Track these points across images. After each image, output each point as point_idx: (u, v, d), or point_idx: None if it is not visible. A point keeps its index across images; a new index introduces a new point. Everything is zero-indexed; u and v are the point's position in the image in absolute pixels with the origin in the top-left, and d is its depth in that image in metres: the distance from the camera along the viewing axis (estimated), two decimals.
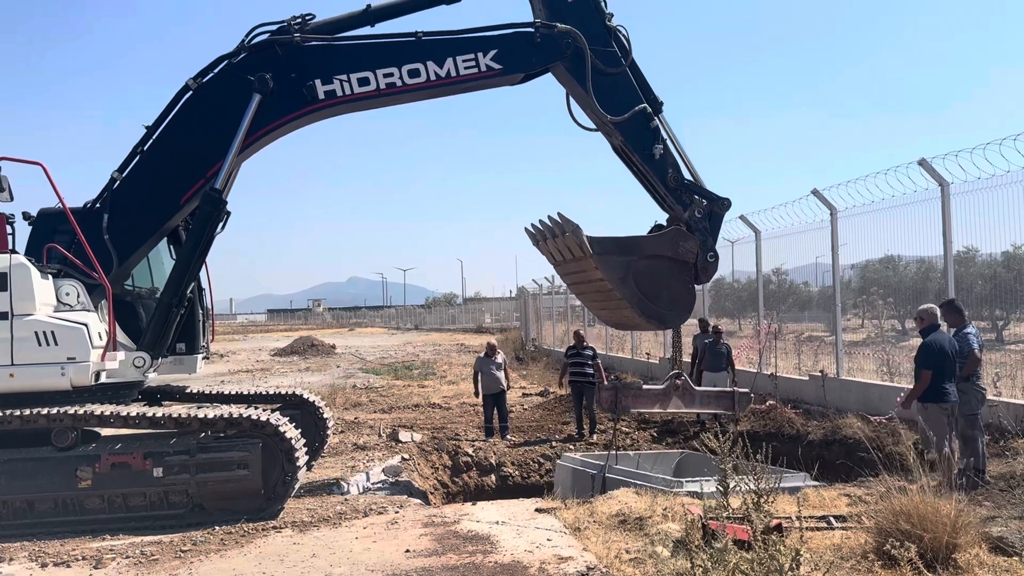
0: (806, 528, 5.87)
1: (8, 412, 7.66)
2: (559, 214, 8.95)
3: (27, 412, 7.66)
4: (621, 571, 5.89)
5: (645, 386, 10.14)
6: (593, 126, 9.35)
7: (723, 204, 9.24)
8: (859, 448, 8.89)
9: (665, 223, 9.47)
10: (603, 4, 9.14)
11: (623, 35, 9.15)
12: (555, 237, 9.09)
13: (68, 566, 6.57)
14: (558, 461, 9.67)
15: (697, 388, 10.04)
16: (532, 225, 9.58)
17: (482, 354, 13.52)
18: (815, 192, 12.54)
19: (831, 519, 6.93)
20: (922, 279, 13.20)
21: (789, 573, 4.08)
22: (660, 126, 9.16)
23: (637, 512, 7.42)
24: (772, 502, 5.34)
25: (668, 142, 9.18)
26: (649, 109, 9.10)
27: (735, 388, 10.24)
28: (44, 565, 6.60)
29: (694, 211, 9.04)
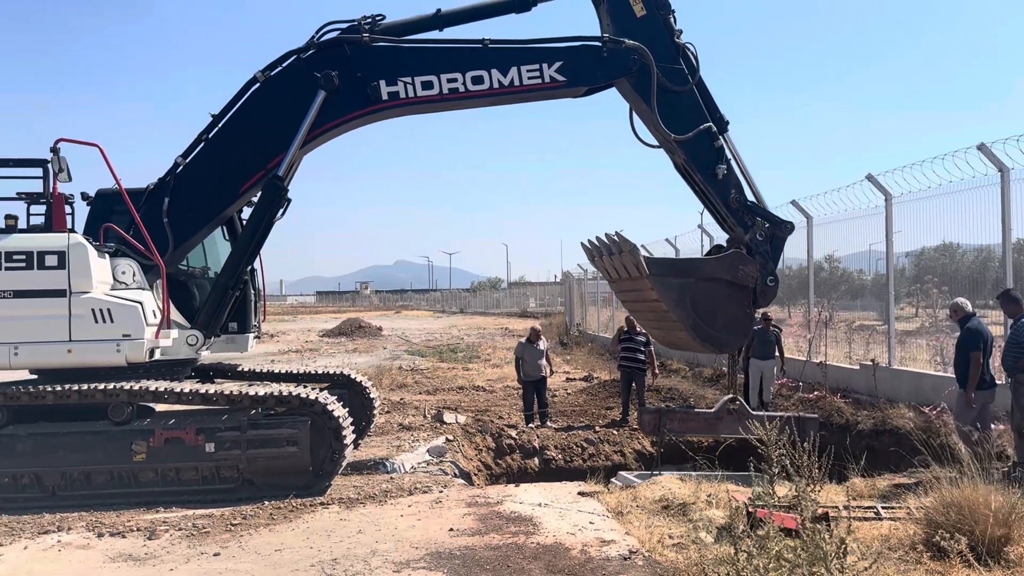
0: (854, 518, 5.80)
1: (67, 386, 7.90)
2: (617, 233, 8.91)
3: (85, 387, 7.89)
4: (664, 556, 5.88)
5: (696, 410, 9.95)
6: (655, 143, 9.22)
7: (786, 227, 9.07)
8: (910, 438, 8.72)
9: (725, 244, 9.33)
10: (672, 21, 8.99)
11: (691, 52, 9.00)
12: (612, 255, 9.01)
13: (123, 536, 6.79)
14: (613, 480, 9.61)
15: (755, 413, 9.53)
16: (589, 241, 9.54)
17: (524, 339, 13.51)
18: (869, 177, 12.26)
19: (879, 509, 6.82)
20: (980, 268, 12.82)
21: (835, 562, 4.04)
22: (725, 145, 9.00)
23: (681, 498, 7.40)
24: (819, 490, 5.28)
25: (732, 162, 9.02)
26: (714, 128, 8.93)
27: (800, 413, 9.92)
28: (100, 535, 6.82)
29: (755, 234, 8.89)
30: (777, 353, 12.99)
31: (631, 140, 9.28)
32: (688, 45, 9.01)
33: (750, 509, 5.85)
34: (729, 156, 9.03)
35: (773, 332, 13.12)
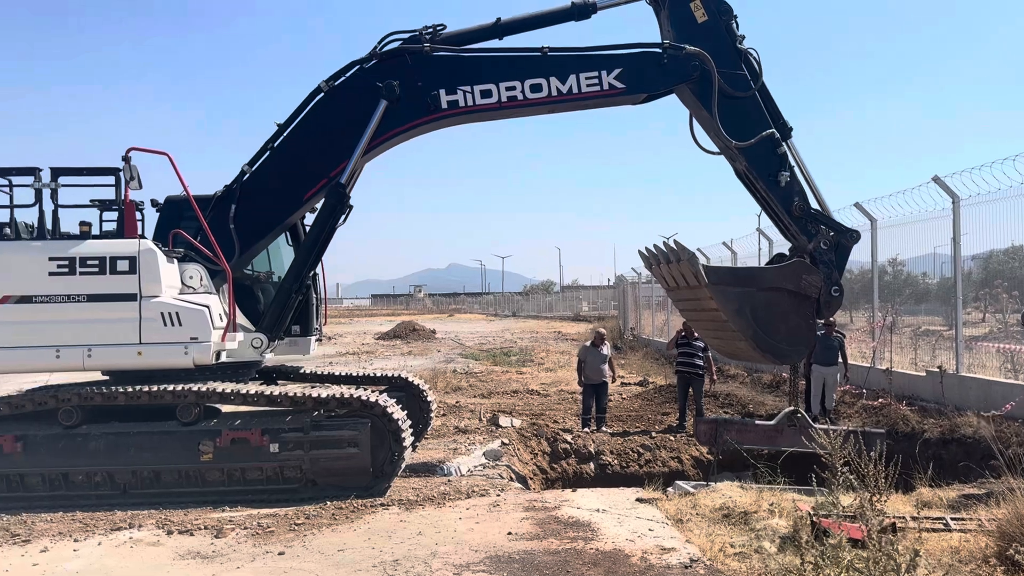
0: (922, 529, 5.67)
1: (137, 387, 8.16)
2: (675, 241, 8.84)
3: (155, 388, 8.14)
4: (726, 564, 5.82)
5: (756, 421, 9.78)
6: (716, 149, 9.14)
7: (851, 236, 8.89)
8: (979, 448, 8.48)
9: (788, 252, 9.17)
10: (735, 26, 8.91)
11: (754, 58, 8.93)
12: (669, 263, 8.93)
13: (191, 534, 6.97)
14: (669, 489, 9.53)
15: (817, 425, 9.30)
16: (646, 248, 9.46)
17: (588, 342, 13.48)
18: (936, 179, 11.94)
19: (948, 520, 6.64)
20: None
21: (906, 574, 3.95)
22: (788, 152, 8.87)
23: (742, 506, 7.30)
24: (885, 501, 5.17)
25: (796, 169, 8.89)
26: (777, 134, 8.82)
27: (866, 427, 9.68)
28: (170, 532, 7.02)
29: (820, 242, 8.73)
30: (840, 359, 12.73)
31: (689, 144, 9.21)
32: (750, 50, 8.91)
33: (814, 519, 5.75)
34: (792, 163, 8.89)
35: (836, 338, 12.86)
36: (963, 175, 11.33)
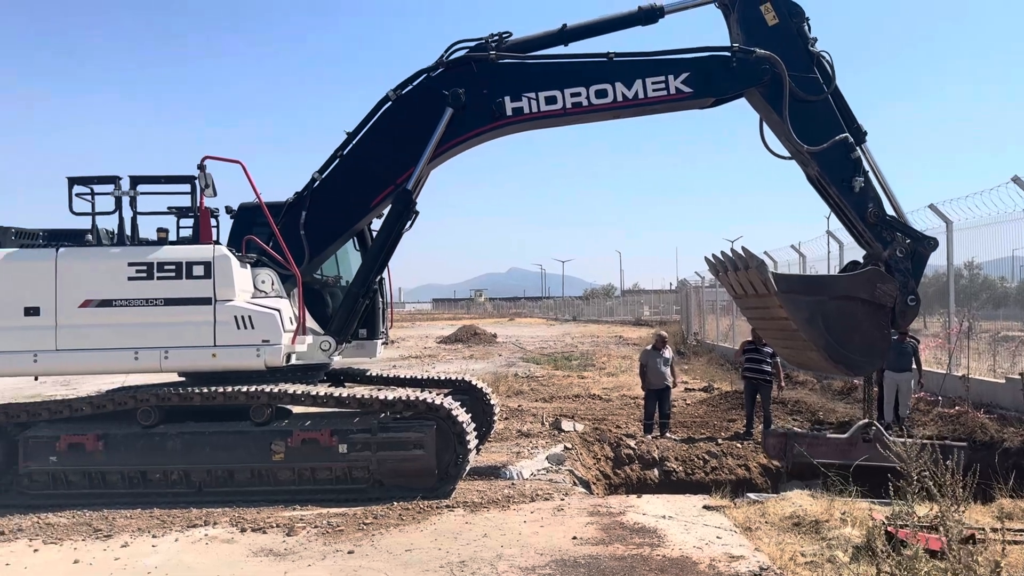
0: (1004, 541, 5.46)
1: (212, 388, 8.40)
2: (743, 248, 8.71)
3: (229, 389, 8.37)
4: (796, 573, 5.72)
5: (827, 434, 9.51)
6: (787, 154, 8.97)
7: (929, 244, 8.61)
8: None
9: (862, 260, 8.94)
10: (807, 28, 8.74)
11: (827, 61, 8.74)
12: (737, 270, 8.78)
13: (264, 532, 7.15)
14: (739, 499, 9.34)
15: (893, 439, 8.89)
16: (714, 255, 9.32)
17: (649, 346, 13.36)
18: (1015, 179, 11.50)
19: None
20: None
21: None
22: (862, 157, 8.66)
23: (813, 515, 7.16)
24: (964, 511, 5.01)
25: (870, 174, 8.66)
26: (851, 139, 8.62)
27: (945, 439, 9.31)
28: (243, 530, 7.21)
29: (895, 250, 8.48)
30: (914, 365, 12.34)
31: (755, 145, 9.06)
32: (823, 53, 8.72)
33: (889, 528, 5.61)
34: (867, 167, 8.65)
35: (910, 343, 12.47)
36: None
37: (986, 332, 15.27)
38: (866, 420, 9.10)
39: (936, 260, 14.38)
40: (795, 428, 11.86)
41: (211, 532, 7.19)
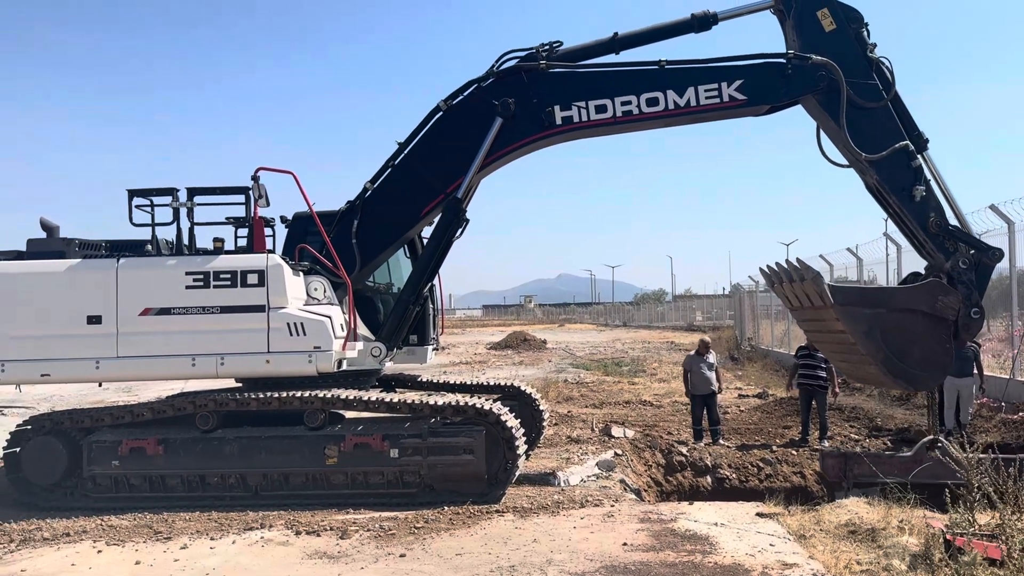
0: None
1: (268, 394, 8.58)
2: (798, 260, 8.57)
3: (284, 394, 8.55)
4: None
5: (890, 454, 9.21)
6: (845, 162, 8.79)
7: (993, 255, 8.33)
8: None
9: (923, 271, 8.73)
10: (865, 34, 8.57)
11: (886, 67, 8.55)
12: (792, 282, 8.62)
13: (318, 535, 7.28)
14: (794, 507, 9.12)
15: (962, 455, 8.69)
16: (768, 267, 9.19)
17: (693, 352, 13.25)
18: None
19: None
20: None
21: None
22: (924, 165, 8.44)
23: (869, 523, 7.01)
24: None
25: (932, 182, 8.44)
26: (911, 147, 8.41)
27: (1020, 456, 8.97)
28: (298, 533, 7.35)
29: (958, 261, 8.22)
30: (975, 371, 11.99)
31: (809, 148, 8.91)
32: (883, 59, 8.53)
33: (947, 537, 5.47)
34: (928, 176, 8.42)
35: (970, 348, 12.09)
36: None
37: None
38: (931, 437, 8.77)
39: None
40: (854, 448, 11.60)
41: (267, 535, 7.34)
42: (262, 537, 7.28)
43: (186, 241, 8.95)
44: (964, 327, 8.16)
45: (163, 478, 8.60)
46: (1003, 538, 4.64)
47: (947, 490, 6.02)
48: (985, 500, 4.94)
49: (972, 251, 8.30)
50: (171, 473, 8.58)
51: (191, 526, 7.67)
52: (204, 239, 9.07)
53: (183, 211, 8.89)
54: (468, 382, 11.19)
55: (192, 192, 8.88)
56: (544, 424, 11.12)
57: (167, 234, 9.09)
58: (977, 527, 5.19)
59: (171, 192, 8.86)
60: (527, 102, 8.89)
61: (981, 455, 5.99)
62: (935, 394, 9.96)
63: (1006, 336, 14.02)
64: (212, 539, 7.25)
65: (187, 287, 8.53)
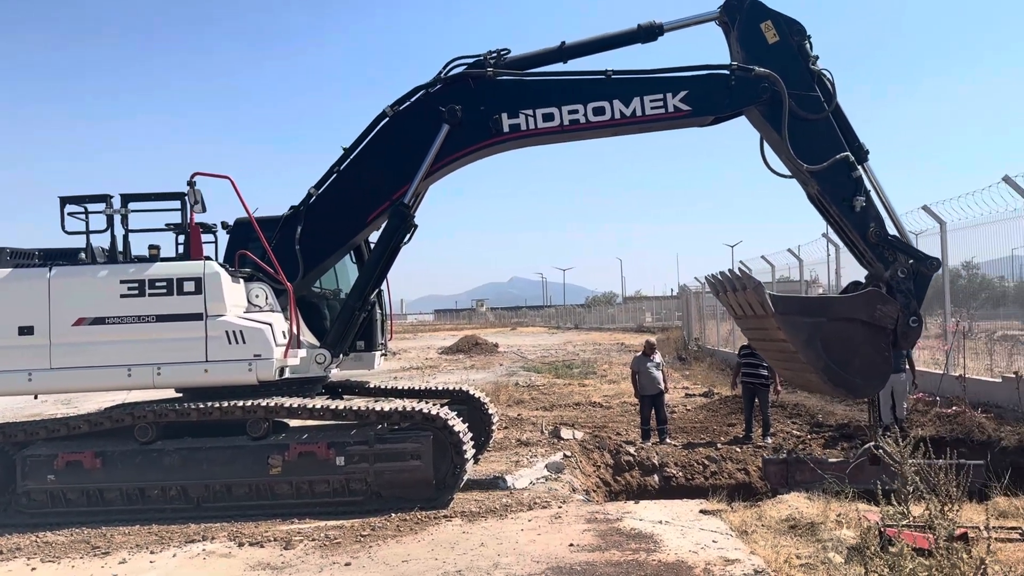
0: (996, 539, 5.47)
1: (209, 403, 8.42)
2: (740, 269, 8.69)
3: (225, 404, 8.40)
4: None
5: (831, 460, 9.38)
6: (788, 173, 8.91)
7: (931, 264, 8.50)
8: None
9: (864, 280, 8.94)
10: (808, 46, 8.70)
11: (827, 79, 8.67)
12: (736, 291, 8.77)
13: (262, 546, 7.17)
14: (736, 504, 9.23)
15: (903, 461, 8.94)
16: (712, 276, 9.33)
17: (640, 353, 13.41)
18: (1007, 179, 11.53)
19: None
20: None
21: None
22: (864, 176, 8.60)
23: (809, 517, 7.17)
24: (957, 510, 5.03)
25: (872, 193, 8.60)
26: (852, 158, 8.55)
27: (968, 462, 9.20)
28: (241, 544, 7.23)
29: (897, 270, 8.37)
30: (907, 366, 12.35)
31: (753, 158, 9.02)
32: (824, 71, 8.65)
33: (882, 529, 5.62)
34: (868, 187, 8.58)
35: None
36: None
37: (985, 332, 15.28)
38: (873, 443, 8.97)
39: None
40: (798, 445, 11.83)
41: (209, 547, 7.21)
42: (204, 550, 7.14)
43: (121, 248, 8.75)
44: (903, 335, 8.29)
45: (101, 492, 8.39)
46: (933, 529, 4.78)
47: (881, 488, 6.19)
48: (918, 493, 5.08)
49: (911, 260, 8.46)
50: (109, 487, 8.38)
51: (130, 540, 7.49)
52: (141, 246, 8.89)
53: (117, 218, 8.68)
54: (417, 387, 11.15)
55: (126, 198, 8.67)
56: (493, 428, 11.12)
57: (103, 242, 8.89)
58: (912, 519, 5.33)
59: (105, 199, 8.65)
60: (475, 109, 8.87)
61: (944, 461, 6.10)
62: None
63: (940, 332, 14.46)
64: (152, 553, 7.10)
65: (122, 296, 8.35)
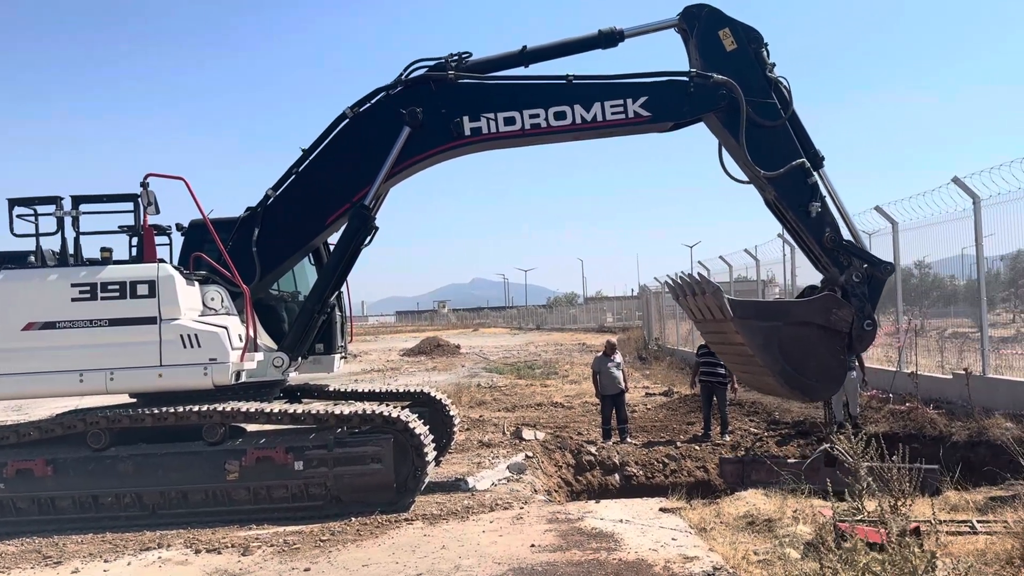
0: (947, 532, 5.62)
1: (163, 409, 8.27)
2: (699, 274, 8.80)
3: (180, 409, 8.25)
4: (749, 572, 5.81)
5: (789, 460, 9.50)
6: (745, 178, 9.03)
7: (885, 268, 8.67)
8: (1007, 450, 8.35)
9: (820, 284, 9.07)
10: (765, 54, 8.81)
11: (784, 86, 8.81)
12: (695, 295, 8.84)
13: (219, 552, 7.07)
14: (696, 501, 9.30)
15: (859, 464, 9.09)
16: (672, 279, 9.41)
17: (600, 353, 13.49)
18: (956, 180, 11.83)
19: (974, 523, 6.56)
20: None
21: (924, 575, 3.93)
22: (820, 182, 8.73)
23: (766, 514, 7.28)
24: (910, 505, 5.13)
25: (827, 199, 8.75)
26: (808, 164, 8.69)
27: (922, 466, 9.37)
28: (198, 551, 7.12)
29: (852, 275, 8.53)
30: (857, 364, 12.58)
31: (712, 162, 9.10)
32: (781, 79, 8.79)
33: (837, 524, 5.72)
34: (824, 193, 8.74)
35: None
36: (983, 175, 11.21)
37: (936, 329, 15.65)
38: (828, 444, 9.13)
39: (884, 258, 14.72)
40: (754, 452, 11.98)
41: (165, 555, 7.09)
42: (159, 557, 7.02)
43: (72, 251, 8.55)
44: (857, 339, 8.46)
45: (53, 500, 8.19)
46: (886, 524, 4.87)
47: (833, 488, 6.29)
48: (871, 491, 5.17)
49: (865, 265, 8.63)
50: (61, 495, 8.19)
51: (83, 549, 7.34)
52: (93, 249, 8.70)
53: (68, 220, 8.48)
54: (377, 390, 11.08)
55: (77, 200, 8.48)
56: (455, 430, 11.10)
57: (53, 245, 8.68)
58: (866, 513, 5.44)
59: (55, 200, 8.45)
60: (436, 112, 8.83)
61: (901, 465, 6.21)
62: None
63: (893, 330, 14.77)
64: (106, 561, 6.96)
65: (73, 299, 8.17)
